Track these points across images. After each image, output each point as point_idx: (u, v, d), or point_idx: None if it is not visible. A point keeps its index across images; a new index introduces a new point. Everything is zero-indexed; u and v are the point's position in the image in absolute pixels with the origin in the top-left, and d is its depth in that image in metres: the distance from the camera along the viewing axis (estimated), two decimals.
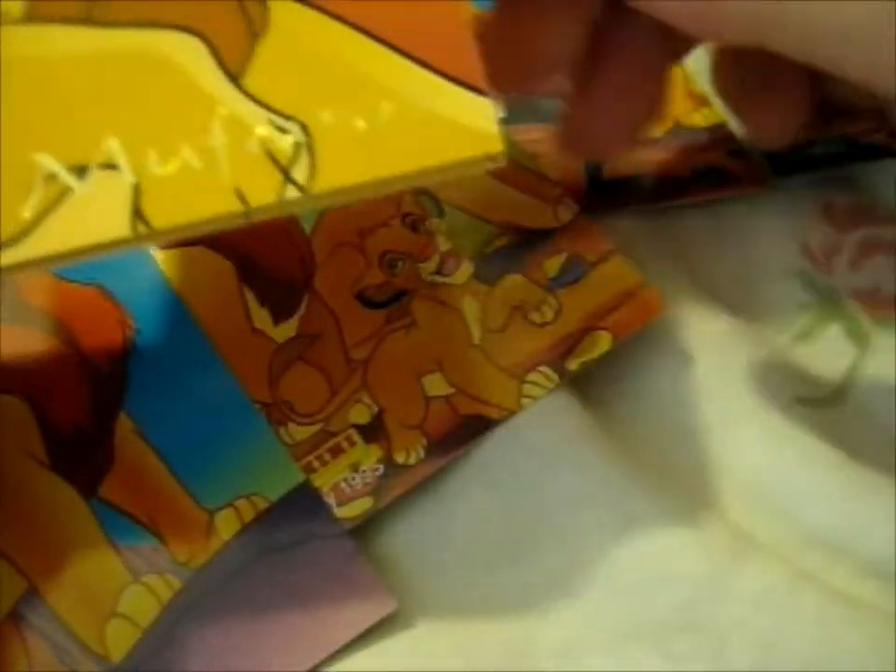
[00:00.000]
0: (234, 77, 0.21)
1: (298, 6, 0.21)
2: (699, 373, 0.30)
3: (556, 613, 0.28)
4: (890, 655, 0.26)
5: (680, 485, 0.29)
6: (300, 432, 0.29)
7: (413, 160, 0.20)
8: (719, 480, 0.30)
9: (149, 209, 0.20)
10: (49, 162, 0.20)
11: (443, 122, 0.20)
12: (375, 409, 0.29)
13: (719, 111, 0.33)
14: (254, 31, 0.21)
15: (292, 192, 0.20)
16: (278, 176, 0.20)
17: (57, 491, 0.28)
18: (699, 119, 0.33)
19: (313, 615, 0.27)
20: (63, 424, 0.28)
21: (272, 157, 0.20)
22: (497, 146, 0.20)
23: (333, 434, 0.29)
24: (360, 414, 0.29)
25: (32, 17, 0.21)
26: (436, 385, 0.29)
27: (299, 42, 0.21)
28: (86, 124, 0.20)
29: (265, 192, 0.20)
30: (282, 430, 0.29)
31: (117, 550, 0.27)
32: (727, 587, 0.27)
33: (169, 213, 0.20)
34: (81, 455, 0.28)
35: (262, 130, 0.20)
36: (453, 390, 0.29)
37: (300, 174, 0.20)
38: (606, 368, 0.30)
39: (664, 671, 0.26)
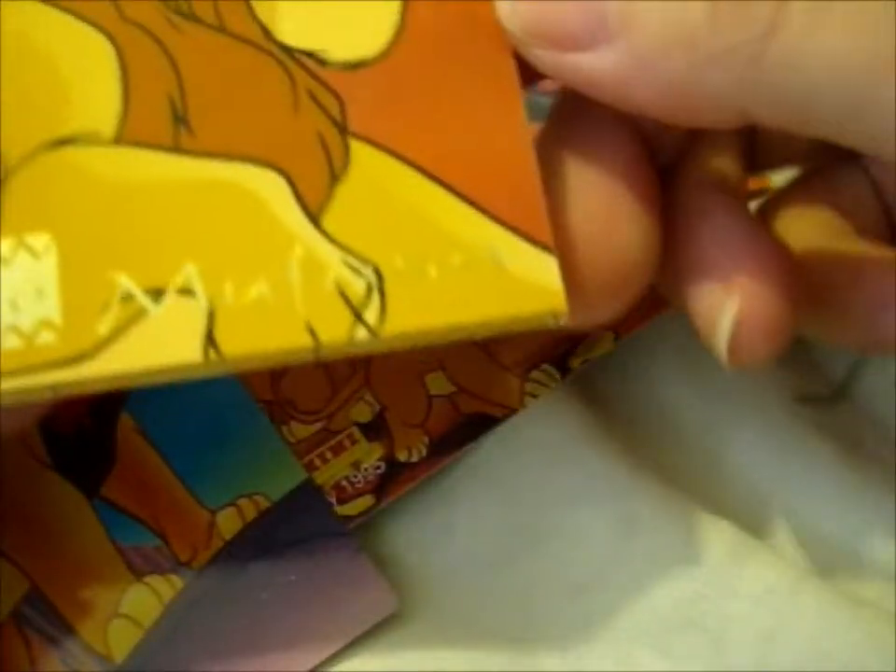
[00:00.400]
0: (313, 216, 0.21)
1: (377, 152, 0.21)
2: (701, 372, 0.30)
3: (558, 612, 0.28)
4: (891, 655, 0.26)
5: (682, 484, 0.29)
6: (301, 430, 0.29)
7: (478, 311, 0.21)
8: (720, 479, 0.30)
9: (222, 337, 0.20)
10: (127, 283, 0.20)
11: (509, 276, 0.21)
12: (377, 407, 0.29)
13: None
14: (334, 173, 0.21)
15: (362, 333, 0.20)
16: (350, 316, 0.20)
17: (59, 491, 0.28)
18: None
19: (315, 615, 0.27)
20: (65, 423, 0.28)
21: (344, 297, 0.21)
22: (560, 304, 0.21)
23: (335, 432, 0.29)
24: (362, 413, 0.29)
25: (121, 139, 0.21)
26: (438, 383, 0.29)
27: (376, 187, 0.21)
28: (166, 249, 0.21)
29: (336, 331, 0.20)
30: (284, 428, 0.29)
31: (119, 550, 0.27)
32: (728, 586, 0.27)
33: (241, 342, 0.20)
34: (83, 454, 0.28)
35: (337, 270, 0.21)
36: (455, 388, 0.29)
37: (370, 315, 0.20)
38: (608, 366, 0.30)
39: (664, 670, 0.26)
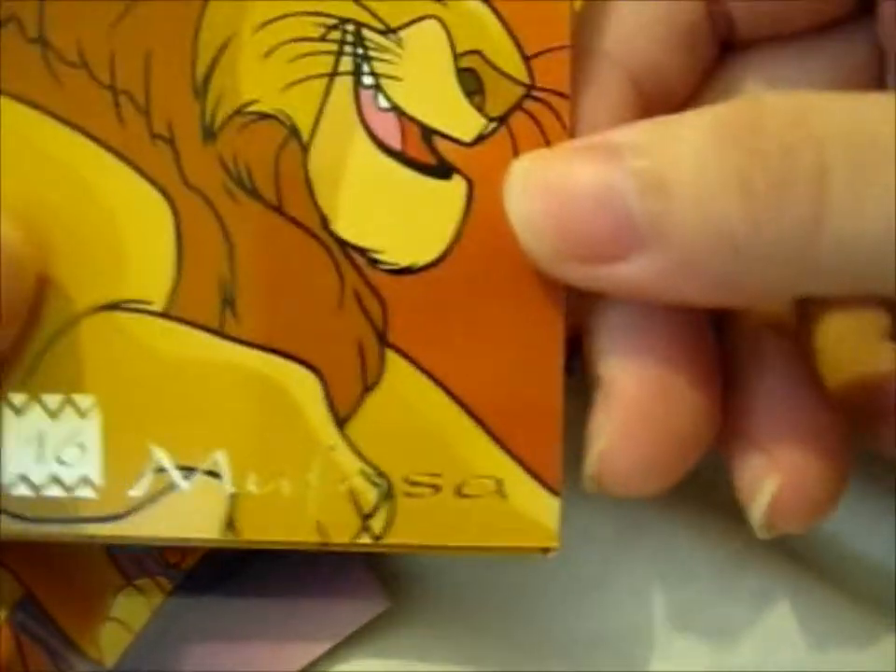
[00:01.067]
0: (341, 422, 0.22)
1: (410, 367, 0.22)
2: None
3: (559, 613, 0.28)
4: (891, 655, 0.26)
5: (683, 485, 0.28)
6: None
7: (475, 537, 0.22)
8: (721, 481, 0.29)
9: (240, 521, 0.22)
10: (161, 457, 0.22)
11: (510, 510, 0.22)
12: None
13: None
14: (367, 382, 0.22)
15: (366, 539, 0.22)
16: (358, 523, 0.22)
17: None
18: None
19: (303, 615, 0.27)
20: None
21: (356, 503, 0.22)
22: (552, 542, 0.22)
23: None
24: None
25: (170, 313, 0.22)
26: None
27: (403, 402, 0.22)
28: (201, 431, 0.22)
29: (343, 533, 0.22)
30: None
31: (110, 554, 0.27)
32: (728, 586, 0.27)
33: (256, 529, 0.22)
34: None
35: (355, 478, 0.22)
36: None
37: (377, 524, 0.22)
38: None
39: (665, 671, 0.27)
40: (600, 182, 0.20)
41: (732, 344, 0.23)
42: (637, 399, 0.21)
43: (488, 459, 0.22)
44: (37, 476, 0.22)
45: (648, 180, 0.19)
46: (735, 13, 0.23)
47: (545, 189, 0.21)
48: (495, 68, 0.22)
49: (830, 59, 0.24)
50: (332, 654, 0.27)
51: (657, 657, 0.27)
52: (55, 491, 0.22)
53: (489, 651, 0.27)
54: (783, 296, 0.21)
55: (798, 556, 0.28)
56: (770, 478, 0.22)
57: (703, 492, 0.29)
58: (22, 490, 0.22)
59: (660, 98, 0.23)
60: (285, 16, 0.22)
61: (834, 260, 0.19)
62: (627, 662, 0.27)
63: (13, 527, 0.22)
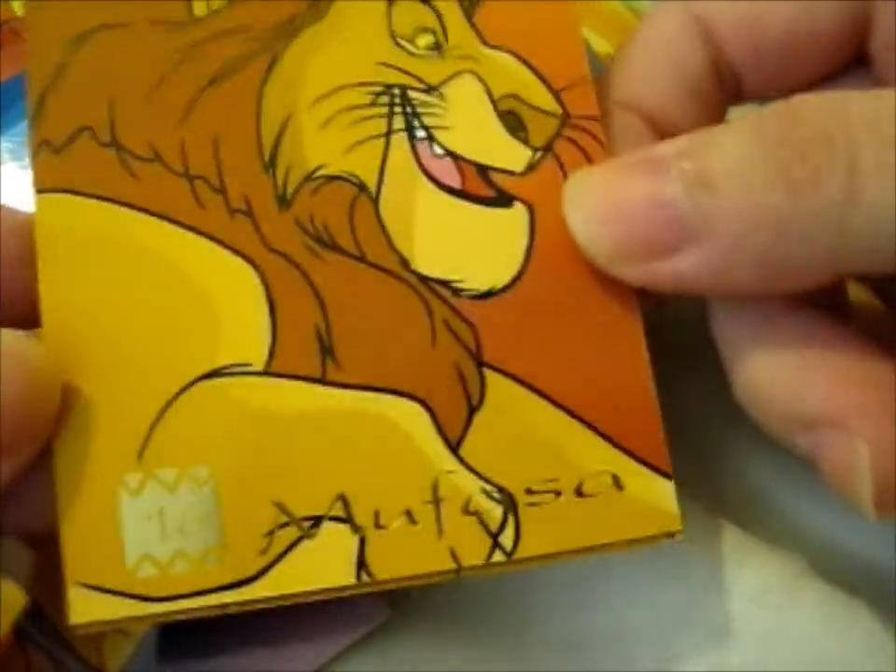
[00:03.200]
0: (453, 446, 0.22)
1: (509, 381, 0.23)
2: (700, 369, 0.29)
3: (557, 612, 0.28)
4: (891, 654, 0.27)
5: (681, 483, 0.28)
6: None
7: (602, 534, 0.23)
8: (719, 477, 0.30)
9: (373, 561, 0.22)
10: (285, 512, 0.22)
11: (631, 501, 0.23)
12: None
13: None
14: (472, 403, 0.23)
15: (499, 556, 0.22)
16: (488, 541, 0.22)
17: None
18: None
19: (306, 623, 0.27)
20: None
21: (483, 522, 0.22)
22: (676, 525, 0.23)
23: None
24: None
25: (271, 371, 0.22)
26: None
27: (509, 416, 0.23)
28: (320, 479, 0.22)
29: (475, 554, 0.22)
30: None
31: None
32: (727, 585, 0.27)
33: (390, 566, 0.22)
34: None
35: (477, 497, 0.22)
36: None
37: (506, 540, 0.22)
38: None
39: (664, 670, 0.27)
40: (650, 187, 0.22)
41: None
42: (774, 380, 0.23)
43: (600, 456, 0.23)
44: (162, 553, 0.21)
45: (694, 178, 0.21)
46: (741, 69, 0.26)
47: (600, 202, 0.22)
48: (531, 106, 0.24)
49: None
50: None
51: (656, 657, 0.27)
52: (182, 566, 0.21)
53: (488, 652, 0.27)
54: (825, 274, 0.22)
55: (796, 555, 0.28)
56: (859, 451, 0.22)
57: (701, 489, 0.29)
58: (149, 570, 0.21)
59: None
60: (335, 90, 0.23)
61: (868, 234, 0.20)
62: (626, 662, 0.27)
63: (144, 609, 0.21)
